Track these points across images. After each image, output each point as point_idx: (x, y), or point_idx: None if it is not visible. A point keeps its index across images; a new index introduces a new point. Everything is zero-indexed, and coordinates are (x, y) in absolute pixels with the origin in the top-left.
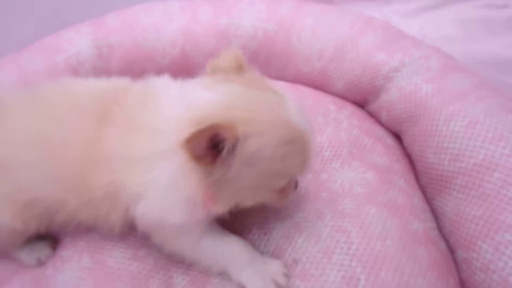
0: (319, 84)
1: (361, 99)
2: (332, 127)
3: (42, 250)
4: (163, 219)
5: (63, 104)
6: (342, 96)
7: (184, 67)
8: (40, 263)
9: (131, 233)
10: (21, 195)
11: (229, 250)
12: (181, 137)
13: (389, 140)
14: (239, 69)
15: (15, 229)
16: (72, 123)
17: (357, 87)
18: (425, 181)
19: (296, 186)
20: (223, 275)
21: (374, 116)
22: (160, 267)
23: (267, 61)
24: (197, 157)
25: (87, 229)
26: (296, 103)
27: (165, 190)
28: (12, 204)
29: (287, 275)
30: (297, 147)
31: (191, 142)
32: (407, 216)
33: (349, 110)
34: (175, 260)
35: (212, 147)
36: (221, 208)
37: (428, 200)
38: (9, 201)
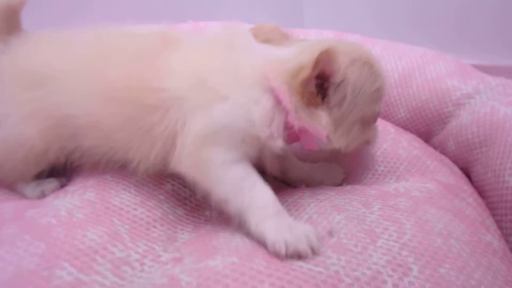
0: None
1: (425, 130)
2: (389, 144)
3: (49, 184)
4: (232, 123)
5: (125, 35)
6: (405, 126)
7: None
8: (43, 196)
9: (150, 182)
10: (57, 110)
11: (258, 192)
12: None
13: (456, 168)
14: (283, 36)
15: (36, 149)
16: (130, 48)
17: (422, 114)
18: (501, 212)
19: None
20: (237, 220)
21: (439, 148)
22: (166, 221)
23: None
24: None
25: (104, 169)
26: None
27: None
28: (43, 119)
29: (320, 240)
30: (380, 66)
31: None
32: (478, 227)
33: (411, 135)
34: (184, 220)
35: (319, 87)
36: (336, 144)
37: (506, 236)
38: (41, 116)
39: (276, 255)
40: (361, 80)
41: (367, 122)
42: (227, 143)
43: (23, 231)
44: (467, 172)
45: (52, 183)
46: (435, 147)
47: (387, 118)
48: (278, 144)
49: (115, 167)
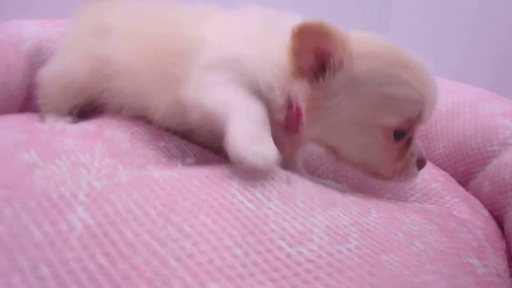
0: None
1: (464, 170)
2: None
3: (66, 119)
4: (243, 60)
5: (173, 6)
6: (442, 164)
7: None
8: None
9: (148, 134)
10: (105, 54)
11: (248, 104)
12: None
13: (485, 211)
14: None
15: (80, 83)
16: (172, 15)
17: (462, 151)
18: None
19: (421, 162)
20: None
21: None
22: (143, 158)
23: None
24: (301, 68)
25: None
26: None
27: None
28: (93, 60)
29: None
30: (415, 74)
31: (300, 34)
32: (466, 249)
33: (440, 171)
34: (161, 166)
35: (318, 64)
36: (310, 134)
37: None
38: (92, 57)
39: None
40: (369, 75)
41: (375, 131)
42: (231, 74)
43: (25, 134)
44: (501, 221)
45: (68, 119)
46: (472, 191)
47: (425, 153)
48: (279, 113)
49: (134, 115)
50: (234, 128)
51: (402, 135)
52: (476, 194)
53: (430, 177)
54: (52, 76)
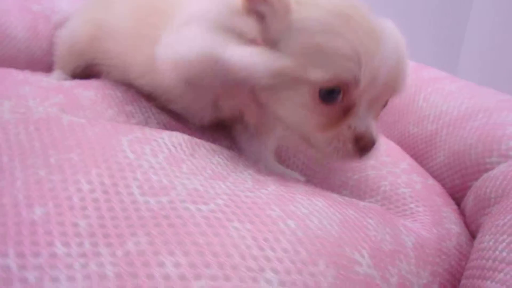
0: (419, 152)
1: (460, 183)
2: (380, 172)
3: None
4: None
5: None
6: (440, 175)
7: None
8: None
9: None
10: (102, 19)
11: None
12: None
13: (453, 226)
14: None
15: (82, 44)
16: None
17: (460, 161)
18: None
19: (360, 140)
20: None
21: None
22: (111, 117)
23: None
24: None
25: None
26: None
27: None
28: (92, 24)
29: None
30: (357, 28)
31: None
32: (360, 246)
33: (418, 175)
34: None
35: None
36: None
37: None
38: (92, 22)
39: None
40: (304, 24)
41: (306, 90)
42: (200, 25)
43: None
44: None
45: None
46: (464, 208)
47: (425, 160)
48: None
49: (120, 79)
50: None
51: (330, 97)
52: (464, 211)
53: (404, 182)
54: (62, 37)
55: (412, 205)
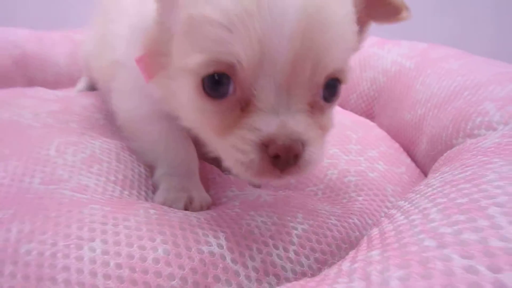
0: (409, 139)
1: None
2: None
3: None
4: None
5: None
6: (422, 162)
7: None
8: None
9: None
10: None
11: (171, 147)
12: None
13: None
14: None
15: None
16: None
17: (434, 146)
18: None
19: (269, 145)
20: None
21: None
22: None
23: (385, 103)
24: None
25: None
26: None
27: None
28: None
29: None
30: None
31: None
32: (207, 232)
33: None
34: None
35: None
36: (161, 87)
37: None
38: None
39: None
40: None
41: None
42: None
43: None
44: None
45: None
46: None
47: (412, 147)
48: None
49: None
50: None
51: (217, 88)
52: None
53: (359, 170)
54: (81, 50)
55: (353, 194)
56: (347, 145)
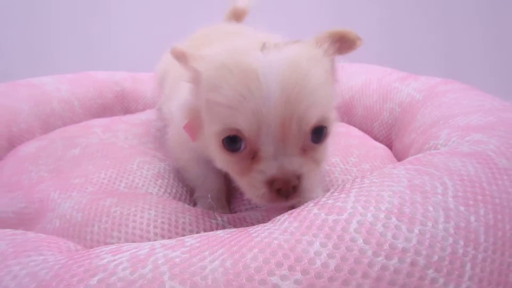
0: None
1: None
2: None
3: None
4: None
5: None
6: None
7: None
8: None
9: None
10: None
11: (206, 181)
12: None
13: None
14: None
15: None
16: None
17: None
18: None
19: (270, 183)
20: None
21: None
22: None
23: (398, 131)
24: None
25: None
26: (290, 63)
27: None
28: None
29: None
30: (233, 78)
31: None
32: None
33: None
34: None
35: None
36: (200, 143)
37: None
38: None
39: None
40: (204, 83)
41: (213, 138)
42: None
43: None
44: None
45: None
46: None
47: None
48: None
49: None
50: None
51: (233, 146)
52: None
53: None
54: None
55: None
56: (348, 157)
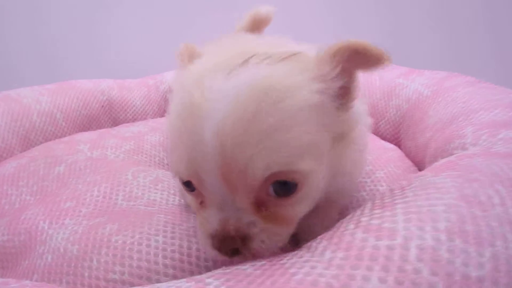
0: (419, 160)
1: None
2: None
3: None
4: None
5: None
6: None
7: None
8: None
9: None
10: None
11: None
12: None
13: None
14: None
15: None
16: None
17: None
18: None
19: (212, 237)
20: None
21: None
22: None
23: (407, 128)
24: None
25: None
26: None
27: None
28: None
29: None
30: (182, 111)
31: None
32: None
33: None
34: None
35: None
36: None
37: None
38: None
39: None
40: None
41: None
42: None
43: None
44: None
45: None
46: None
47: (421, 167)
48: None
49: None
50: None
51: (187, 186)
52: None
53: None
54: None
55: None
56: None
